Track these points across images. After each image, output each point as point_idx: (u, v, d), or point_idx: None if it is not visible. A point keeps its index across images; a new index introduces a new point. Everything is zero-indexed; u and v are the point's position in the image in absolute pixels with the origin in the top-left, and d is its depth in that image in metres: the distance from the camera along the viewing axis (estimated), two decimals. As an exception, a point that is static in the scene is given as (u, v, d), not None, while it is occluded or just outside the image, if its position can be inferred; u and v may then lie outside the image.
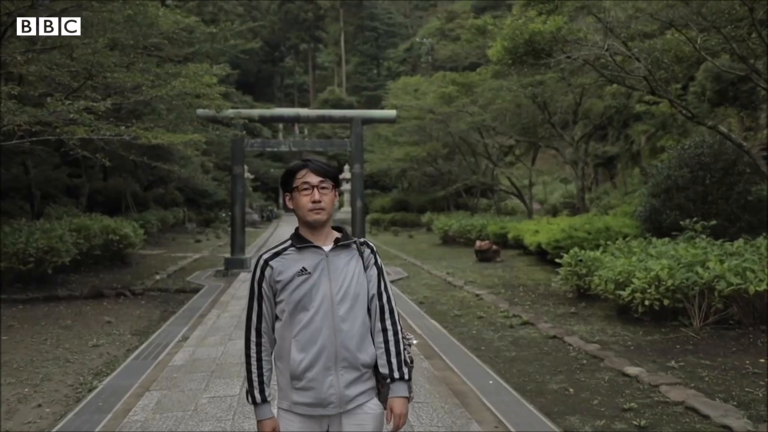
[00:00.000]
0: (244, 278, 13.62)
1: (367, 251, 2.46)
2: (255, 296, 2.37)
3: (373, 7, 74.16)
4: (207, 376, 5.99)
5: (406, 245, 23.14)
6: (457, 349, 7.23)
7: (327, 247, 2.37)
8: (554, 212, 25.03)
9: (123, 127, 9.14)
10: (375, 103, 47.81)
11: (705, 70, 21.18)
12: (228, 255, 16.09)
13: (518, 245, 17.57)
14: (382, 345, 2.38)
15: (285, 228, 33.61)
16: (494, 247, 16.99)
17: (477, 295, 11.08)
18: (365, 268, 2.42)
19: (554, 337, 7.62)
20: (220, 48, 26.43)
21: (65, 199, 20.90)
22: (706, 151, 12.60)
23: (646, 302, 7.74)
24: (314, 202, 2.32)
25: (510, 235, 18.12)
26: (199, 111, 13.72)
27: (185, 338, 7.90)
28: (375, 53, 72.06)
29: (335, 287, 2.31)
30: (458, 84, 22.75)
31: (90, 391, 5.75)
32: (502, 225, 19.82)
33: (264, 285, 2.35)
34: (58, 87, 10.38)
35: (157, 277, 14.08)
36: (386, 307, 2.42)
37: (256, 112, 17.63)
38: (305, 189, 2.34)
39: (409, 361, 2.42)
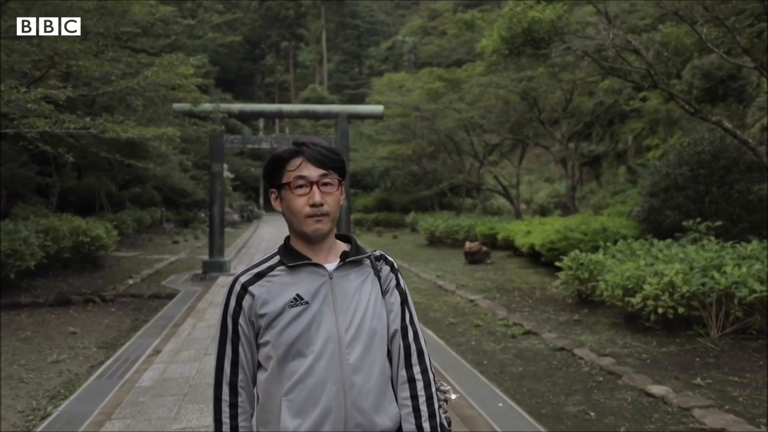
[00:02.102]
0: (222, 282, 12.86)
1: (386, 269, 1.78)
2: (228, 336, 1.66)
3: (355, 4, 73.44)
4: (178, 400, 5.27)
5: (391, 246, 22.47)
6: (457, 363, 6.57)
7: (330, 266, 1.69)
8: (542, 212, 24.51)
9: (88, 119, 8.35)
10: (357, 101, 46.94)
11: (692, 67, 20.83)
12: (206, 257, 15.32)
13: (508, 246, 17.00)
14: (409, 402, 1.69)
15: (266, 228, 32.81)
16: (484, 248, 16.38)
17: (471, 301, 10.44)
18: (383, 293, 1.74)
19: (562, 349, 7.00)
20: (199, 44, 25.58)
21: (35, 198, 19.94)
22: (707, 149, 12.12)
23: (659, 310, 7.15)
24: (314, 205, 1.64)
25: (500, 236, 17.53)
26: (176, 105, 12.94)
27: (157, 352, 7.16)
28: (357, 51, 71.36)
29: (343, 322, 1.63)
30: (445, 80, 22.12)
31: (43, 419, 5.01)
32: (491, 225, 19.23)
33: (241, 321, 1.64)
34: (23, 79, 9.61)
35: (130, 281, 13.27)
36: (413, 347, 1.74)
37: (237, 106, 16.85)
38: (300, 186, 1.65)
39: (446, 424, 1.75)
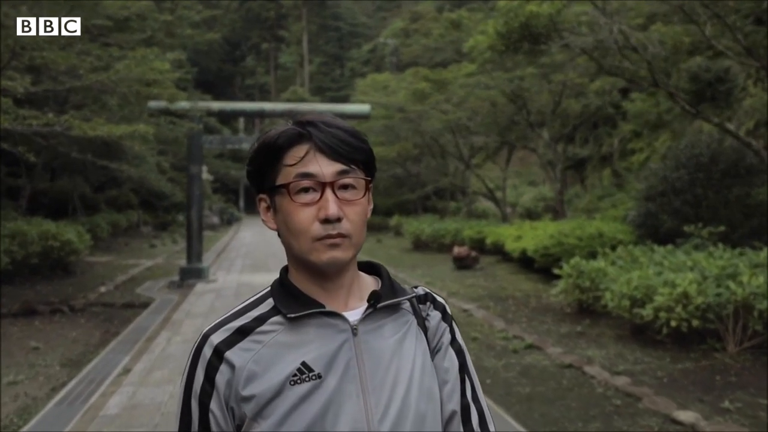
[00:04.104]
0: (200, 290, 12.19)
1: (436, 316, 1.17)
2: (193, 430, 1.05)
3: (337, 6, 72.96)
4: (147, 432, 4.65)
5: (375, 251, 21.86)
6: (458, 384, 5.99)
7: (353, 314, 1.08)
8: (530, 215, 24.08)
9: (52, 116, 7.68)
10: (339, 103, 46.48)
11: (678, 69, 20.54)
12: (184, 263, 14.62)
13: (497, 251, 16.48)
14: None
15: (246, 232, 32.05)
16: (473, 253, 15.85)
17: (465, 311, 9.88)
18: (433, 353, 1.14)
19: (570, 366, 6.46)
20: (178, 42, 24.83)
21: (5, 201, 19.08)
22: (704, 152, 11.72)
23: (672, 323, 6.65)
24: (327, 220, 1.04)
25: (488, 241, 17.01)
26: (151, 103, 12.26)
27: (126, 371, 6.50)
28: (338, 53, 70.80)
29: (377, 406, 1.03)
30: (431, 80, 21.58)
31: (-11, 456, 4.37)
32: (479, 229, 18.73)
33: (213, 406, 1.03)
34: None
35: (103, 288, 12.53)
36: None
37: (216, 104, 16.20)
38: (306, 190, 1.05)
39: None
